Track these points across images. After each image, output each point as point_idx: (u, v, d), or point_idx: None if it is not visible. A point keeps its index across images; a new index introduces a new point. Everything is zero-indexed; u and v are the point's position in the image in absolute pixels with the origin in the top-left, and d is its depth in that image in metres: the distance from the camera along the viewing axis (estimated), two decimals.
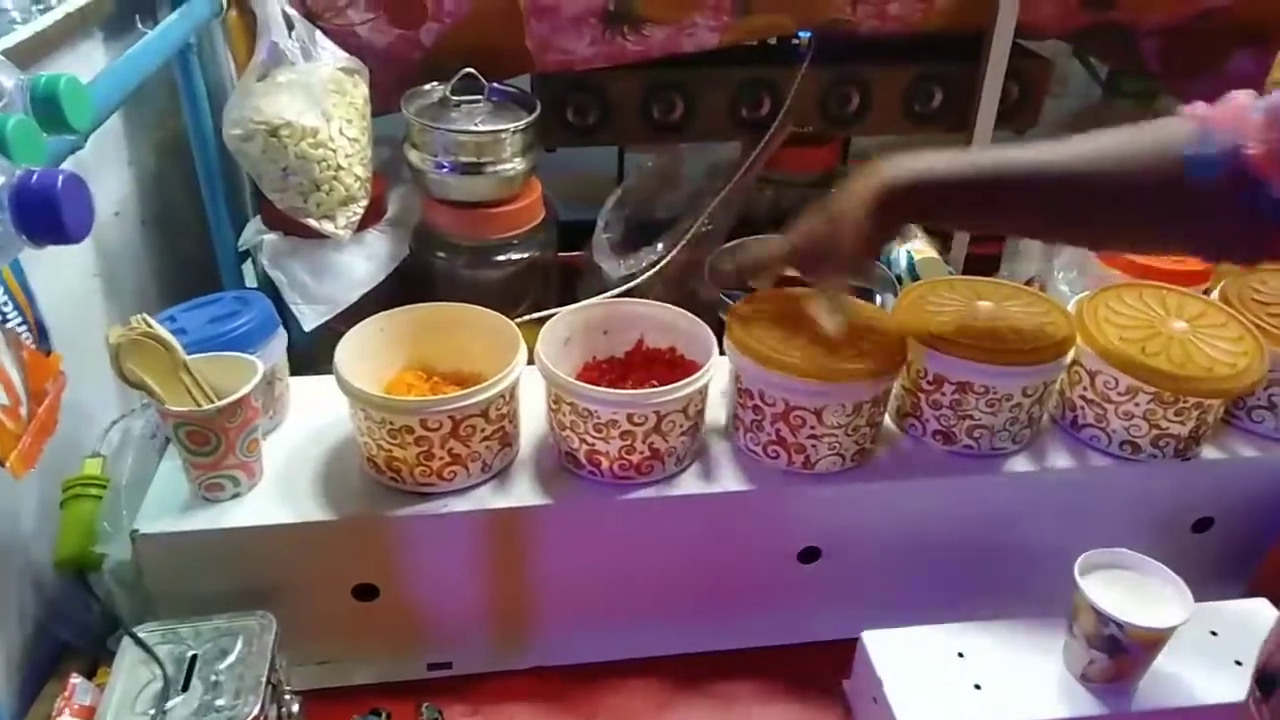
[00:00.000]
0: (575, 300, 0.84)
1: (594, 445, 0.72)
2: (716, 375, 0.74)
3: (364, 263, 0.95)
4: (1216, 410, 0.78)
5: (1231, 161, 0.55)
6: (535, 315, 0.85)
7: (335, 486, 0.73)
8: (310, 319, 0.92)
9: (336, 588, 0.74)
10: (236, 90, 0.87)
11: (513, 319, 0.78)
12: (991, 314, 0.78)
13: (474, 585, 0.76)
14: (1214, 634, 0.72)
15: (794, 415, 0.71)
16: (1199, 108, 0.60)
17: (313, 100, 0.86)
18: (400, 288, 0.99)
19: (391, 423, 0.69)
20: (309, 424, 0.79)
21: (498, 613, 0.78)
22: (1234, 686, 0.68)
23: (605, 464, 0.73)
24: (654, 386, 0.71)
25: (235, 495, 0.72)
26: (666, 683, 0.79)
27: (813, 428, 0.72)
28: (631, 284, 0.99)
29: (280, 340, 0.78)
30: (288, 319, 0.93)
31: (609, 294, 0.94)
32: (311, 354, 0.86)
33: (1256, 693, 0.48)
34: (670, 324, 0.80)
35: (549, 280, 1.08)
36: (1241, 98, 0.58)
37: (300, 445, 0.77)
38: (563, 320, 0.78)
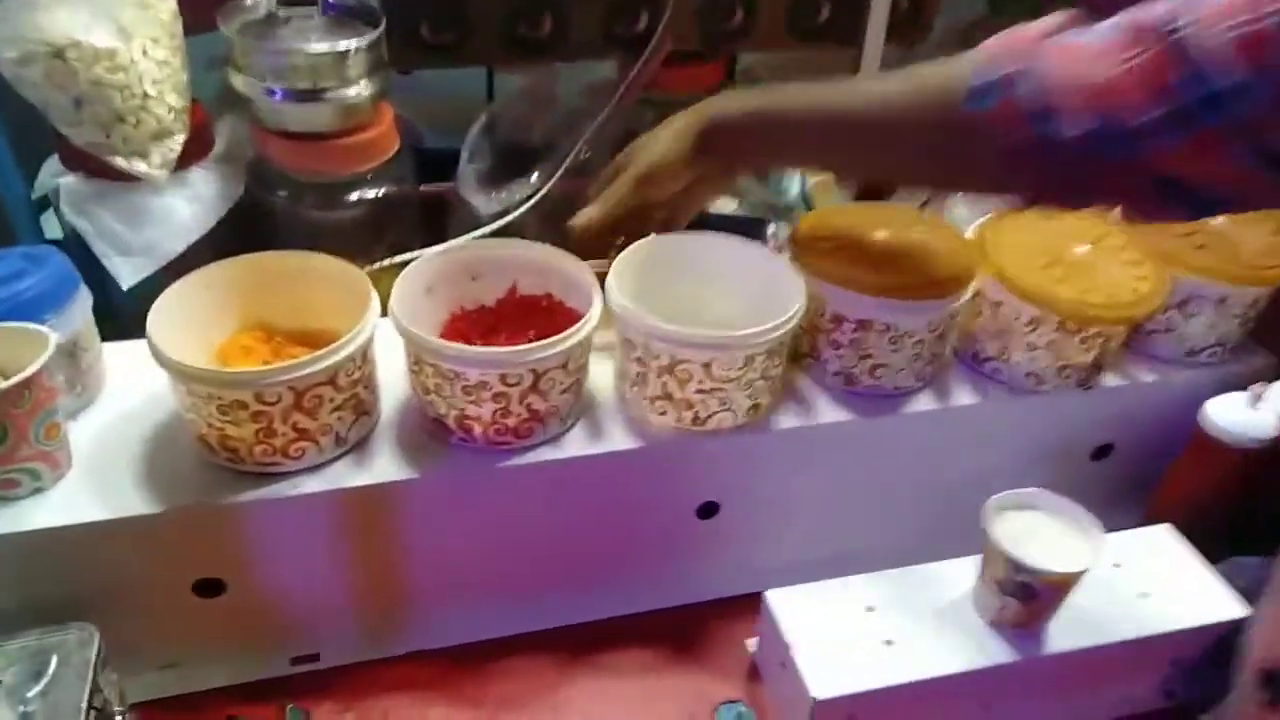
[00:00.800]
0: (444, 240, 0.75)
1: (464, 410, 0.64)
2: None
3: (188, 206, 0.81)
4: (1119, 337, 0.75)
5: (1008, 89, 0.52)
6: (394, 260, 0.75)
7: (162, 472, 0.63)
8: (127, 275, 0.79)
9: (173, 587, 0.65)
10: (6, 3, 0.72)
11: (370, 265, 0.68)
12: (890, 245, 0.72)
13: (337, 570, 0.68)
14: (1117, 566, 0.71)
15: (680, 369, 0.64)
16: (989, 41, 0.56)
17: (105, 15, 0.72)
18: (237, 234, 0.86)
19: (220, 398, 0.59)
20: (129, 399, 0.68)
21: (367, 597, 0.70)
22: (1141, 619, 0.67)
23: (478, 429, 0.65)
24: (530, 339, 0.63)
25: (37, 491, 0.61)
26: (560, 657, 0.73)
27: (700, 382, 0.65)
28: (503, 220, 0.89)
29: (83, 302, 0.67)
30: (105, 277, 0.80)
31: (477, 233, 0.84)
32: (140, 316, 0.73)
33: (1261, 695, 0.43)
34: (546, 267, 0.72)
35: (409, 219, 0.97)
36: (1032, 30, 0.54)
37: (117, 425, 0.66)
38: (422, 267, 0.69)
